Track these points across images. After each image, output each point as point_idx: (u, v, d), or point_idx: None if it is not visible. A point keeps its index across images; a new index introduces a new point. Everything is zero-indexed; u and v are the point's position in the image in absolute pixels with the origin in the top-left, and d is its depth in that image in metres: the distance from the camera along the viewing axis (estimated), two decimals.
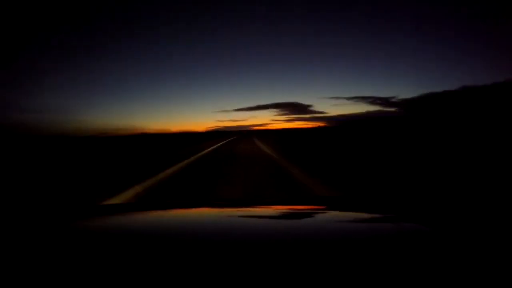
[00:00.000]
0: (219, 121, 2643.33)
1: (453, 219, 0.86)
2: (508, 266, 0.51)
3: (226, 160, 9.78)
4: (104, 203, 4.55)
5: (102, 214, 1.04)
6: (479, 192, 5.05)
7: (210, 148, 16.80)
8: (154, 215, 1.03)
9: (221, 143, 24.78)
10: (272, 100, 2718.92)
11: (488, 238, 0.66)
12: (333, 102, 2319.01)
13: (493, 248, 0.59)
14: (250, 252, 0.56)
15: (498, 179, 6.22)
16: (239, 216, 0.95)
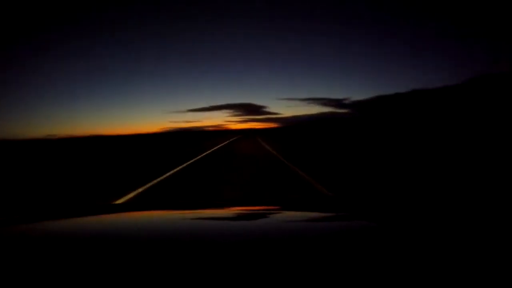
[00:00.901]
0: (172, 121, 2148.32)
1: (404, 216, 0.87)
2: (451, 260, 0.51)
3: None
4: (103, 203, 4.64)
5: (102, 214, 1.05)
6: (424, 188, 5.05)
7: None
8: (149, 215, 1.04)
9: None
10: (226, 101, 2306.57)
11: (435, 234, 0.67)
12: (287, 103, 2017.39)
13: (439, 244, 0.60)
14: (227, 251, 0.57)
15: (443, 174, 6.30)
16: (230, 218, 0.97)
